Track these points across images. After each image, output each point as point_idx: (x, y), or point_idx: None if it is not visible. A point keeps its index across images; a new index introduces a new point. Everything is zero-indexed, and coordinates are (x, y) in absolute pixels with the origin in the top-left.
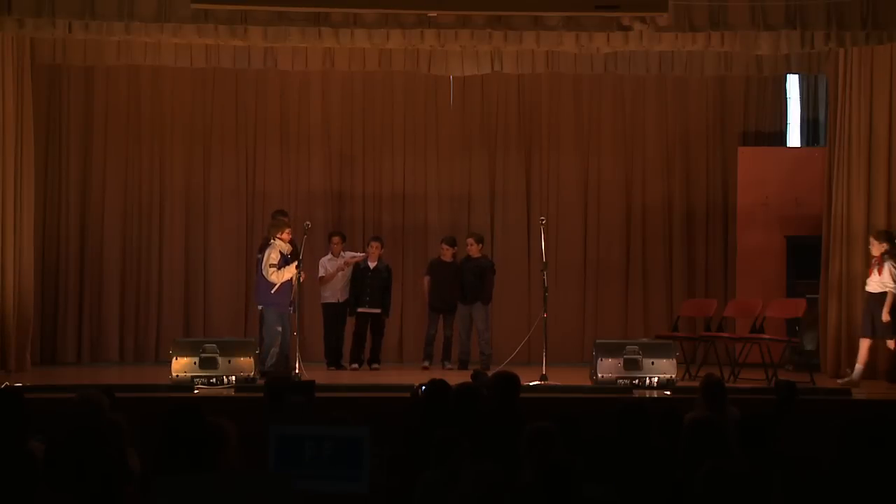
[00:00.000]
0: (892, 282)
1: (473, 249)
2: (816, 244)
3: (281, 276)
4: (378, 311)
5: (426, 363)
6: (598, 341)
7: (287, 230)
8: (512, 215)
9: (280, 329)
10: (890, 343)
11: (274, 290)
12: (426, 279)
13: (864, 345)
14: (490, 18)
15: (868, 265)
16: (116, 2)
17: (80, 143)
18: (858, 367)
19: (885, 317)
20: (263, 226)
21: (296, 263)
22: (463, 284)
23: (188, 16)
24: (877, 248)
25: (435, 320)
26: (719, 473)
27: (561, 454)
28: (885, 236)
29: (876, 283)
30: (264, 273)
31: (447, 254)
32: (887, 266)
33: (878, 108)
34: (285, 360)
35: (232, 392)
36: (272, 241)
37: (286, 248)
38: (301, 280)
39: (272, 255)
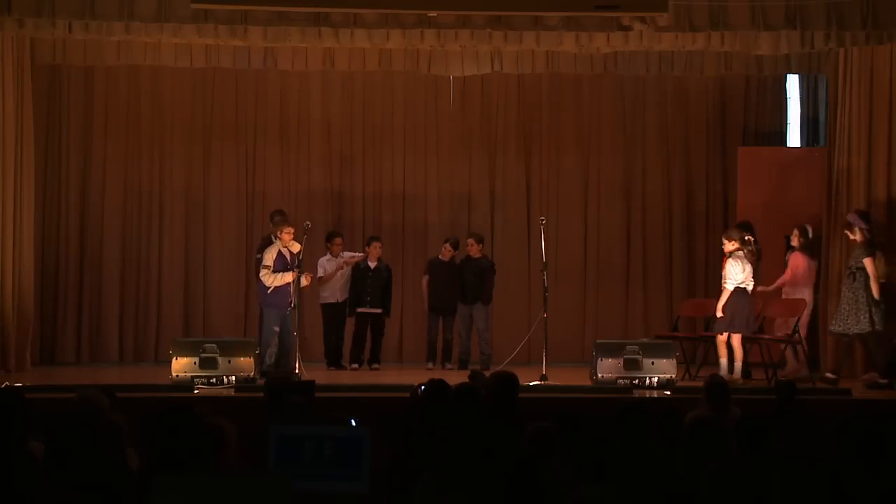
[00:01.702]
0: (729, 279)
1: (473, 249)
2: (816, 244)
3: (273, 280)
4: (378, 311)
5: (430, 364)
6: (598, 341)
7: (286, 228)
8: (512, 215)
9: (277, 329)
10: (720, 337)
11: (270, 290)
12: (425, 279)
13: (735, 340)
14: (490, 18)
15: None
16: (116, 2)
17: (80, 143)
18: (737, 364)
19: (719, 312)
20: (263, 226)
21: (292, 273)
22: (463, 284)
23: (188, 16)
24: (727, 246)
25: (435, 322)
26: (723, 474)
27: (531, 449)
28: (737, 235)
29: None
30: (259, 274)
31: (447, 253)
32: (728, 263)
33: (878, 108)
34: (285, 359)
35: (232, 392)
36: (275, 240)
37: (294, 246)
38: (303, 285)
39: (267, 257)
